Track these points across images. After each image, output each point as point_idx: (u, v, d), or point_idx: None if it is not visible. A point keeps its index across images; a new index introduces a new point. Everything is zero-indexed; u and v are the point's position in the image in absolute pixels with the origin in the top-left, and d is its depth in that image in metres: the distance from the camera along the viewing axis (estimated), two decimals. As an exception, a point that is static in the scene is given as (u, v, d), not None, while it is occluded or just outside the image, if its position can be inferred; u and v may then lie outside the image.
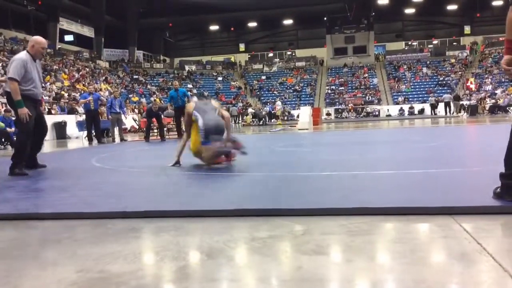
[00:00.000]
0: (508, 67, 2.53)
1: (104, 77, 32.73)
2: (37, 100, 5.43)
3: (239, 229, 2.41)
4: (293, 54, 45.78)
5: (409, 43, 44.52)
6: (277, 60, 44.79)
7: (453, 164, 4.16)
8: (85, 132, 15.23)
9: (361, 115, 32.38)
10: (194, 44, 48.29)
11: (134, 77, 37.55)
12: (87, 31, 38.39)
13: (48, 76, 24.12)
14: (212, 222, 2.52)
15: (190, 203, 2.98)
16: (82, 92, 20.49)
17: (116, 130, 13.41)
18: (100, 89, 25.83)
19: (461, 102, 26.66)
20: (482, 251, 1.82)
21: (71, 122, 17.79)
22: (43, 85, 5.43)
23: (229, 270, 1.81)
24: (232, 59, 46.21)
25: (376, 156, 5.46)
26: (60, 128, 16.98)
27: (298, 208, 2.65)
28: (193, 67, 43.09)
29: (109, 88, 28.64)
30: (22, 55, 5.24)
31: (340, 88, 37.90)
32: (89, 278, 1.74)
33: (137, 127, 20.95)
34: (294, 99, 37.11)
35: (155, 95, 32.76)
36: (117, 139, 13.24)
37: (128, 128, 20.58)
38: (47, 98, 20.07)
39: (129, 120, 21.09)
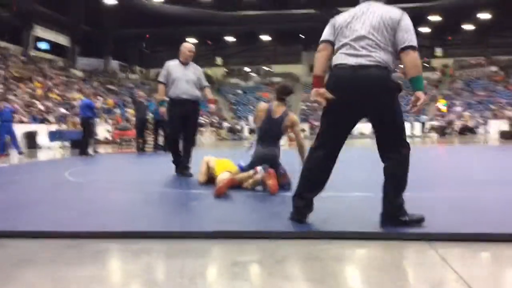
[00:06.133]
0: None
1: (77, 87, 32.15)
2: (181, 100, 5.50)
3: (220, 252, 2.41)
4: (270, 69, 46.12)
5: (383, 62, 45.41)
6: (254, 75, 45.00)
7: (425, 188, 4.25)
8: (57, 143, 14.90)
9: (335, 132, 32.61)
10: (171, 55, 46.92)
11: (108, 87, 37.00)
12: (63, 40, 37.76)
13: (23, 84, 23.60)
14: (193, 244, 2.50)
15: (171, 224, 2.96)
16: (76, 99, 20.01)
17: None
18: (74, 99, 25.32)
19: (435, 123, 27.31)
20: (458, 280, 1.87)
21: (43, 132, 17.42)
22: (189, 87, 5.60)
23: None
24: (209, 72, 46.17)
25: (348, 178, 5.48)
26: (31, 138, 16.60)
27: (279, 231, 2.66)
28: (169, 79, 42.77)
29: (82, 98, 28.09)
30: (171, 60, 5.81)
31: (315, 104, 38.04)
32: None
33: (110, 138, 20.60)
34: (269, 114, 37.22)
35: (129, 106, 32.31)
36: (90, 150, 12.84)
37: (101, 139, 20.20)
38: (17, 106, 19.56)
39: (102, 130, 20.72)
